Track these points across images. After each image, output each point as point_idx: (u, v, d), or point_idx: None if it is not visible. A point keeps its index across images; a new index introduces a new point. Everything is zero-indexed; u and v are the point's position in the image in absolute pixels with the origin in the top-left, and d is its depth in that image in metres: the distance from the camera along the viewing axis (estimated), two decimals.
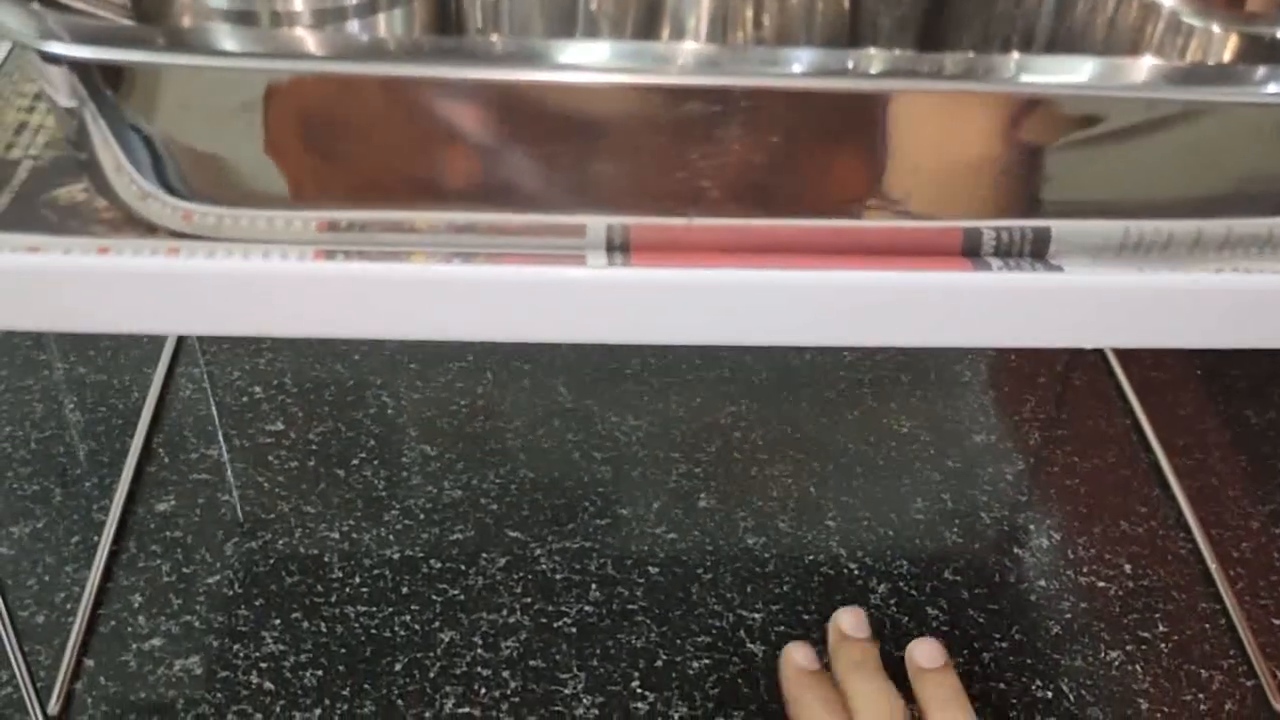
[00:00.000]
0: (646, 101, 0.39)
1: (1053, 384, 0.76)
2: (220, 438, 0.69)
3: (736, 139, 0.40)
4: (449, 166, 0.39)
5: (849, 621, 0.56)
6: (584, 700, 0.57)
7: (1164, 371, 0.77)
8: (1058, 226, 0.41)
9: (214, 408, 0.71)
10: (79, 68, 0.37)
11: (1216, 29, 0.51)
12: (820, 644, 0.60)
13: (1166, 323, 0.40)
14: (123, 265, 0.38)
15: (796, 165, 0.40)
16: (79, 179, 0.41)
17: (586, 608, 0.61)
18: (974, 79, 0.44)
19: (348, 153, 0.39)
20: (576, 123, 0.39)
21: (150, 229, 0.39)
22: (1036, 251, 0.41)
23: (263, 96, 0.37)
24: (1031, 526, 0.67)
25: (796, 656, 0.56)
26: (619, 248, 0.40)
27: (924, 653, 0.56)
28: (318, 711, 0.56)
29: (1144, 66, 0.46)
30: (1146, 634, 0.61)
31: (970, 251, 0.41)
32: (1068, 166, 0.41)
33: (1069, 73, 0.45)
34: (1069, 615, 0.62)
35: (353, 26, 0.46)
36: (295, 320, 0.39)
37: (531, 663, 0.59)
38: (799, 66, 0.44)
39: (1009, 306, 0.40)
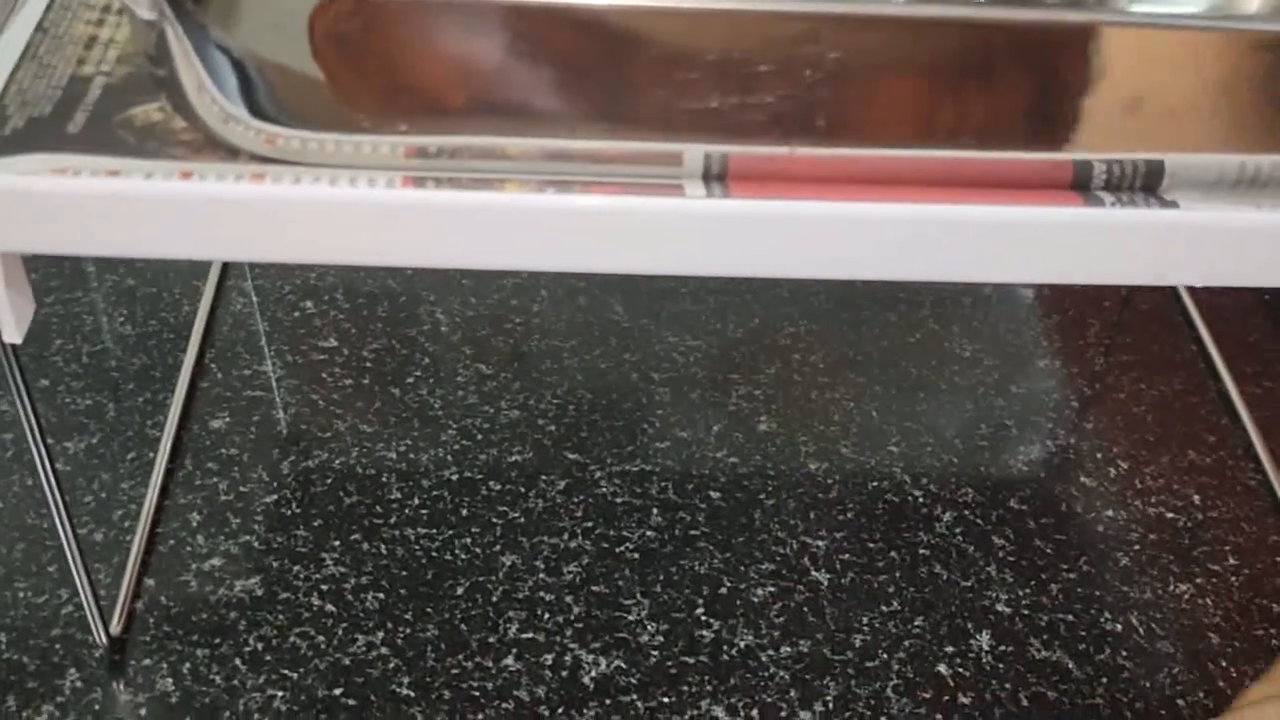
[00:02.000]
0: (747, 28, 0.37)
1: (1117, 308, 0.75)
2: (273, 354, 0.68)
3: (841, 68, 0.38)
4: (542, 91, 0.38)
5: None
6: (648, 627, 0.57)
7: (1230, 297, 0.75)
8: (1170, 160, 0.39)
9: (265, 323, 0.70)
10: None
11: None
12: (889, 571, 0.59)
13: None
14: (207, 191, 0.37)
15: (902, 95, 0.39)
16: (154, 97, 0.39)
17: (648, 533, 0.61)
18: (1085, 9, 0.42)
19: (438, 76, 0.37)
20: (674, 48, 0.37)
21: (232, 152, 0.38)
22: (1148, 186, 0.39)
23: (353, 16, 0.36)
24: (1098, 455, 0.66)
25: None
26: (717, 177, 0.38)
27: None
28: (380, 635, 0.56)
29: None
30: (1216, 567, 0.61)
31: (1080, 185, 0.39)
32: (1181, 98, 0.40)
33: (1184, 3, 0.44)
34: (1137, 546, 0.61)
35: None
36: (384, 249, 0.38)
37: (594, 588, 0.58)
38: None
39: (1121, 243, 0.39)
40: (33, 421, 0.47)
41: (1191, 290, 0.75)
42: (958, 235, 0.38)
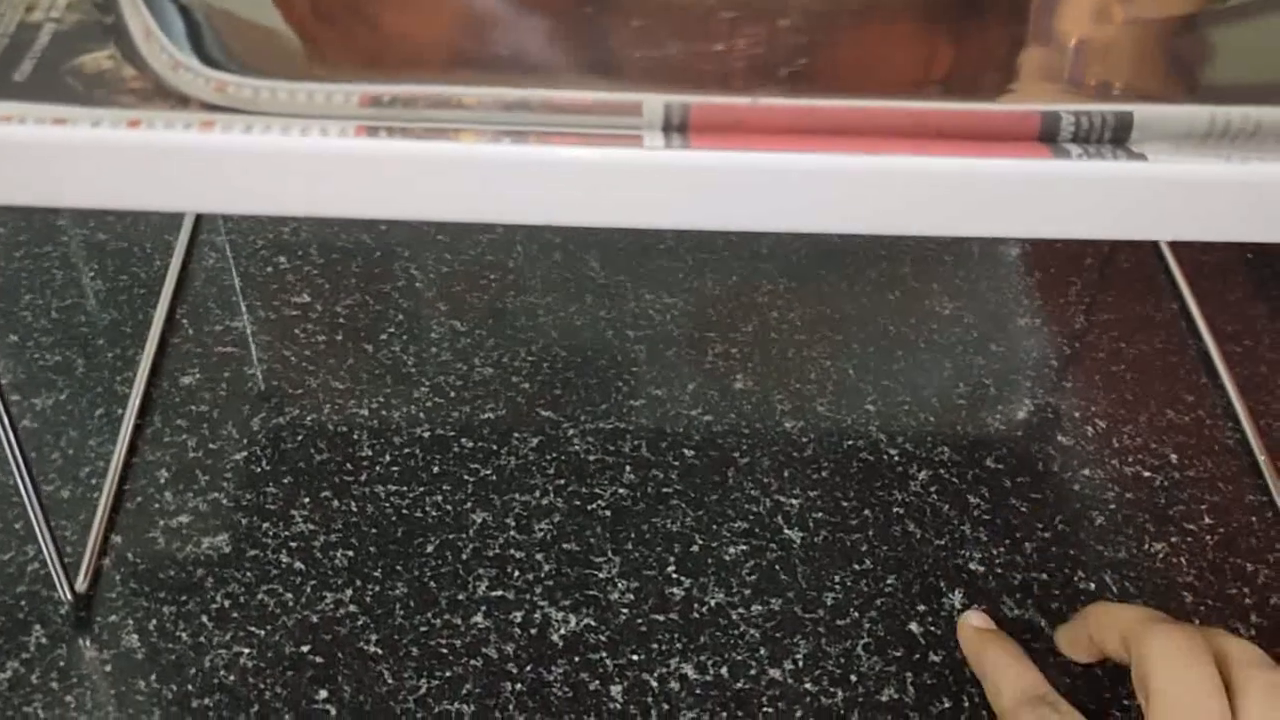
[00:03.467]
0: None
1: (1099, 266, 0.74)
2: (245, 309, 0.68)
3: (805, 17, 0.37)
4: (499, 40, 0.37)
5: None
6: (619, 585, 0.56)
7: (1212, 256, 0.75)
8: (1140, 112, 0.39)
9: (238, 279, 0.69)
10: None
11: None
12: (862, 529, 0.59)
13: (1254, 216, 0.38)
14: (154, 139, 0.36)
15: (868, 45, 0.38)
16: (104, 45, 0.39)
17: (620, 490, 0.60)
18: None
19: (392, 22, 0.37)
20: None
21: (182, 100, 0.37)
22: (1117, 138, 0.39)
23: None
24: (1076, 414, 0.65)
25: (972, 620, 0.54)
26: (677, 128, 0.38)
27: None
28: (349, 592, 0.55)
29: None
30: (1192, 526, 0.60)
31: (1048, 137, 0.38)
32: (1152, 48, 0.39)
33: None
34: (1113, 506, 0.61)
35: None
36: (336, 200, 0.37)
37: (565, 546, 0.58)
38: None
39: (1088, 196, 0.38)
40: None
41: (1173, 249, 0.74)
42: (923, 187, 0.38)
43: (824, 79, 0.38)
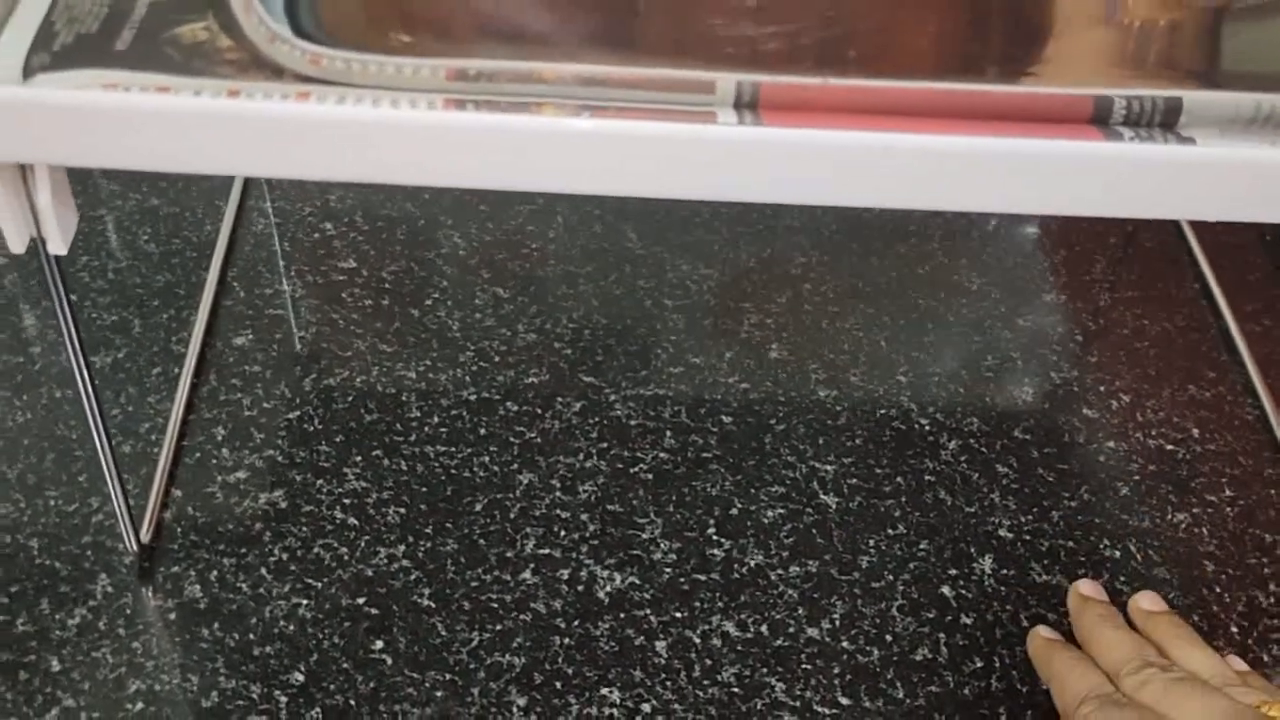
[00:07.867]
0: None
1: (1122, 245, 0.76)
2: (293, 274, 0.70)
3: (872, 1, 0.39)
4: (580, 17, 0.39)
5: (1088, 587, 0.56)
6: (661, 545, 0.58)
7: (1232, 236, 0.77)
8: (1189, 97, 0.40)
9: (286, 244, 0.71)
10: None
11: None
12: (895, 496, 0.61)
13: None
14: (255, 109, 0.38)
15: (931, 28, 0.40)
16: (200, 16, 0.40)
17: (661, 454, 0.62)
18: None
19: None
20: None
21: (277, 71, 0.39)
22: (1166, 122, 0.40)
23: None
24: (1100, 388, 0.67)
25: (1041, 631, 0.55)
26: (749, 105, 0.39)
27: (1148, 600, 0.56)
28: (401, 548, 0.57)
29: None
30: (1213, 498, 0.62)
31: (1100, 120, 0.40)
32: (1201, 35, 0.41)
33: None
34: (1136, 477, 0.63)
35: None
36: (423, 169, 0.39)
37: (609, 507, 0.60)
38: None
39: (1138, 177, 0.40)
40: (72, 331, 0.49)
41: (1195, 229, 0.76)
42: (982, 165, 0.39)
43: (889, 61, 0.40)
